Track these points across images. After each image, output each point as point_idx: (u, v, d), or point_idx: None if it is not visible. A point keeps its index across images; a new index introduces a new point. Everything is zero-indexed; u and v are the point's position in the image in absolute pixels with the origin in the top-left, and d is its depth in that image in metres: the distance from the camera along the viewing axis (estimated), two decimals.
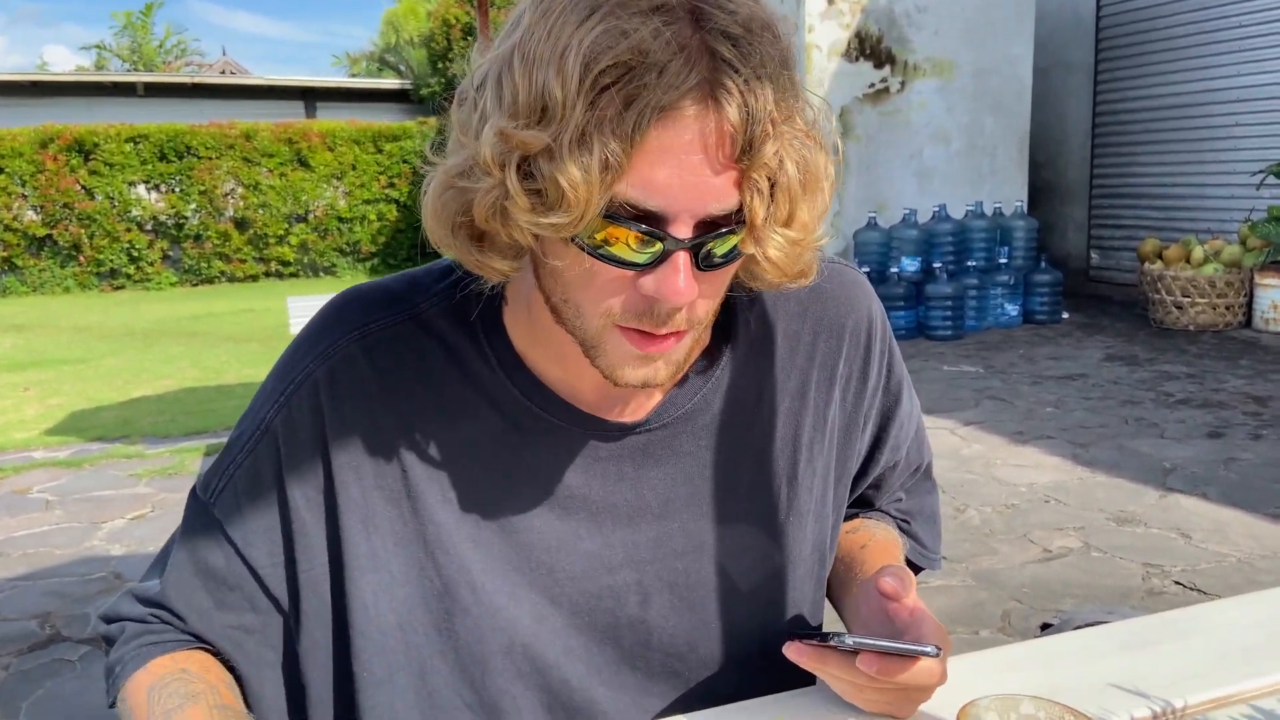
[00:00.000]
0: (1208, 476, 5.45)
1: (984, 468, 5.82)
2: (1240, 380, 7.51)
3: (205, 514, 1.15)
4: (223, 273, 17.70)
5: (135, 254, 17.09)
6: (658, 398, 1.20)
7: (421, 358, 1.12)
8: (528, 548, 1.17)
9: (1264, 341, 8.78)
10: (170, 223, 17.30)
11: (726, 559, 1.23)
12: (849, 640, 1.03)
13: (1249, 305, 9.26)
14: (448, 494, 1.16)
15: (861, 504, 1.44)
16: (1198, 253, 9.42)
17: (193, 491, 1.18)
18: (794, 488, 1.26)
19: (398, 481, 1.15)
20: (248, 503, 1.13)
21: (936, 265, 9.46)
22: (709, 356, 1.22)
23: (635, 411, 1.19)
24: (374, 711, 1.17)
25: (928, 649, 1.03)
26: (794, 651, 1.10)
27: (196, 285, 17.53)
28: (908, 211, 9.69)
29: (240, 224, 17.65)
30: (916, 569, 1.46)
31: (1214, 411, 6.72)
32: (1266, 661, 1.23)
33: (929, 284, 9.32)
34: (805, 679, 1.25)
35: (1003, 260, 9.95)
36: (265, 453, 1.12)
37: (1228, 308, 9.21)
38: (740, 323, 1.23)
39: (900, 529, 1.43)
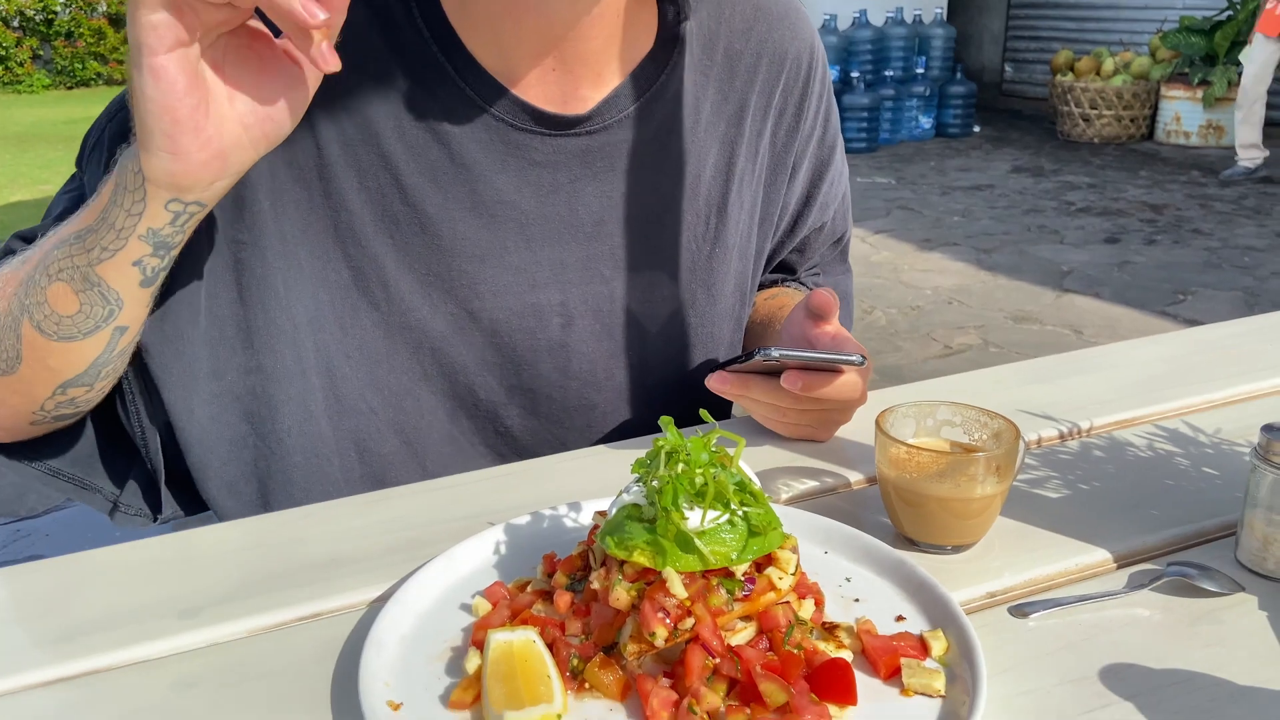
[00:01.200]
0: (1102, 278, 5.65)
1: (891, 273, 5.93)
2: (1139, 190, 7.70)
3: (76, 190, 1.04)
4: (99, 75, 16.46)
5: (2, 53, 15.75)
6: (600, 92, 1.12)
7: (345, 22, 1.06)
8: (450, 254, 1.11)
9: (1164, 154, 8.98)
10: (38, 18, 15.91)
11: (651, 287, 1.19)
12: (775, 352, 1.02)
13: (1153, 118, 9.41)
14: (365, 180, 1.05)
15: (783, 270, 1.42)
16: (1108, 64, 9.45)
17: (72, 177, 1.06)
18: (723, 219, 1.22)
19: (310, 159, 1.05)
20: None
21: (854, 74, 9.31)
22: (654, 62, 1.15)
23: (575, 104, 1.11)
24: (289, 405, 1.10)
25: (853, 358, 1.03)
26: (717, 380, 1.08)
27: (72, 89, 16.31)
28: (827, 17, 9.43)
29: (115, 20, 16.31)
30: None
31: (1112, 219, 6.91)
32: (1169, 390, 1.27)
33: (846, 94, 9.20)
34: (718, 415, 1.24)
35: (919, 71, 9.85)
36: None
37: (1132, 120, 9.34)
38: (687, 34, 1.16)
39: None
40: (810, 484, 1.08)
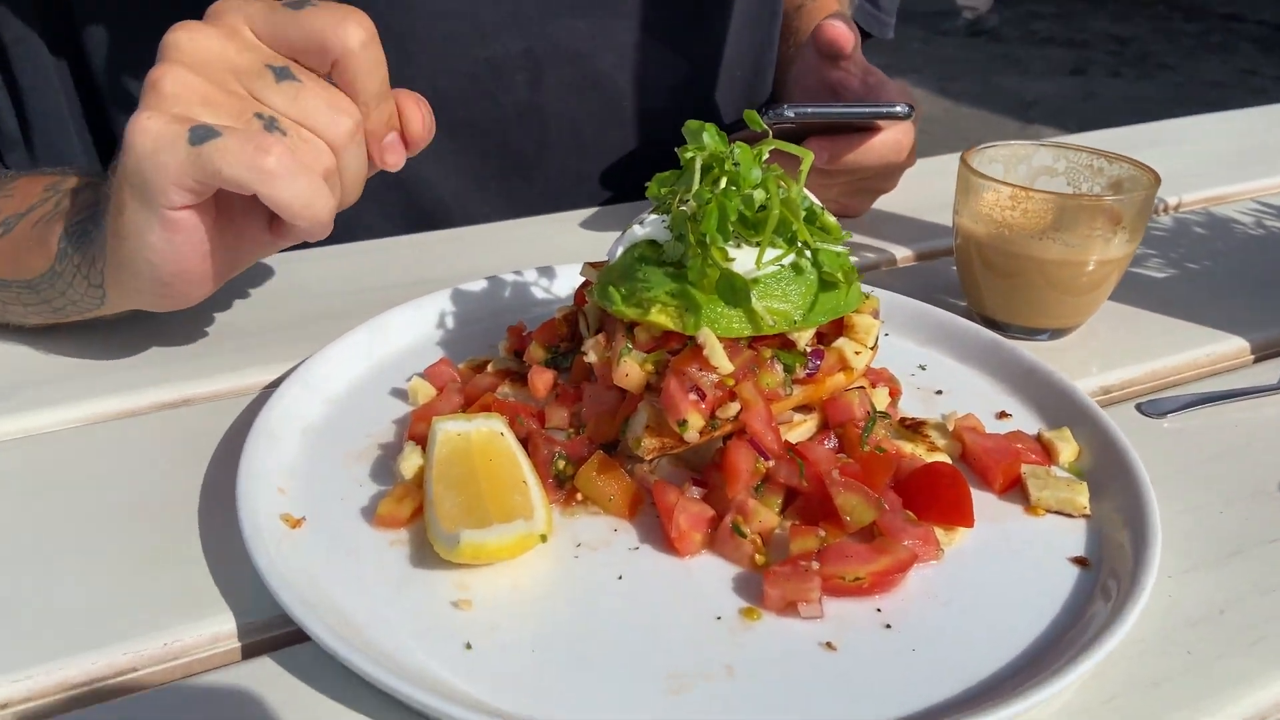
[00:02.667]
0: (1068, 109, 5.43)
1: None
2: (1105, 21, 7.39)
3: None
4: None
5: None
6: None
7: None
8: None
9: None
10: None
11: (641, 13, 0.89)
12: (789, 111, 0.75)
13: None
14: None
15: None
16: None
17: None
18: None
19: None
20: None
21: None
22: None
23: None
24: None
25: (897, 108, 0.77)
26: None
27: None
28: None
29: None
30: (864, 36, 1.17)
31: (1077, 51, 6.63)
32: (1265, 165, 1.04)
33: None
34: None
35: None
36: None
37: None
38: None
39: None
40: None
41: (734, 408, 0.50)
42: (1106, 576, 0.47)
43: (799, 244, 0.51)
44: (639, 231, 0.54)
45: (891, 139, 0.80)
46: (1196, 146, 1.10)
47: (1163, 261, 0.83)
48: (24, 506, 0.52)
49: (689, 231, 0.50)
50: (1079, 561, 0.49)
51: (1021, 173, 0.74)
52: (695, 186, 0.51)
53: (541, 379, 0.55)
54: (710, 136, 0.52)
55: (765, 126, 0.55)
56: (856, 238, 0.87)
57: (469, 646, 0.43)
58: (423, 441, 0.52)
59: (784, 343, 0.52)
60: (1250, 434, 0.61)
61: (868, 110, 0.77)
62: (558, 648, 0.43)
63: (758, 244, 0.50)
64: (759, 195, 0.49)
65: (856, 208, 0.90)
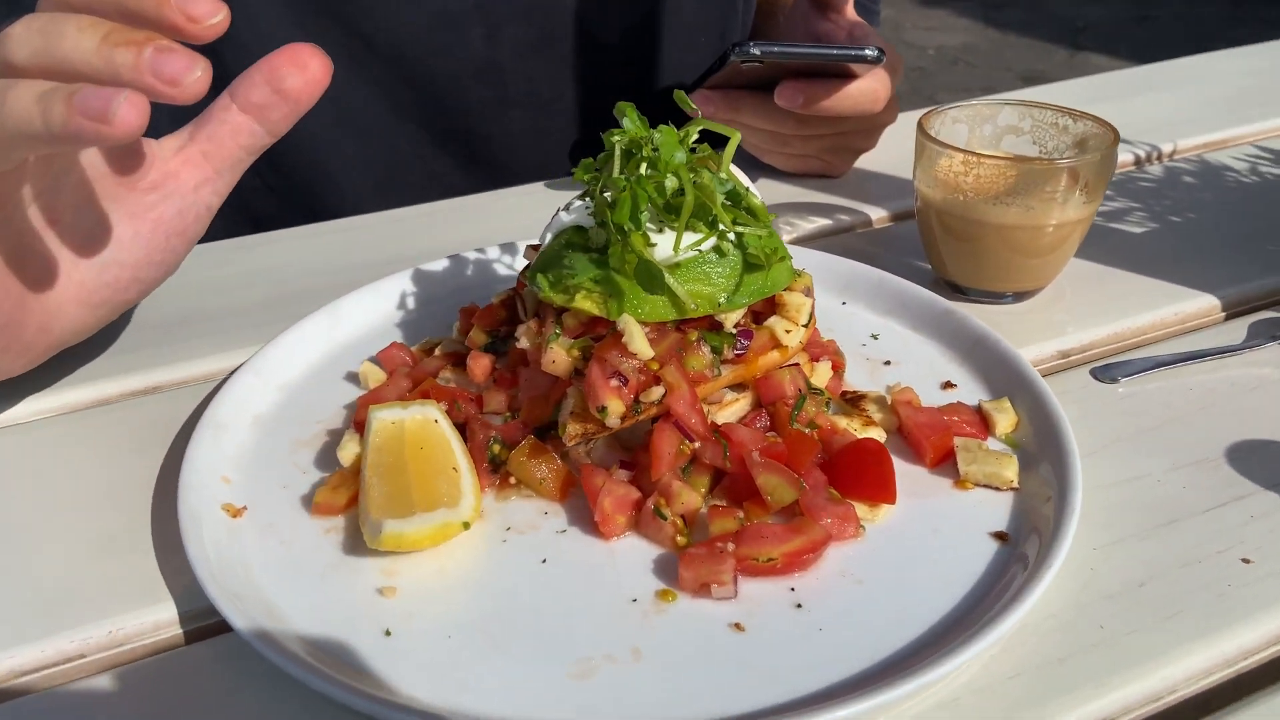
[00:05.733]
0: (1120, 35, 5.23)
1: (892, 31, 5.47)
2: None
3: None
4: None
5: None
6: None
7: None
8: None
9: None
10: None
11: None
12: (754, 49, 0.74)
13: None
14: None
15: None
16: None
17: None
18: None
19: None
20: None
21: None
22: None
23: None
24: None
25: (865, 51, 0.74)
26: (699, 100, 0.82)
27: None
28: None
29: None
30: None
31: None
32: (1267, 106, 1.01)
33: None
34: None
35: None
36: None
37: None
38: None
39: None
40: (820, 222, 0.83)
41: (658, 391, 0.50)
42: (1025, 551, 0.48)
43: (721, 228, 0.51)
44: (565, 218, 0.54)
45: (868, 87, 0.79)
46: (1200, 88, 1.07)
47: (1145, 215, 0.81)
48: None
49: (609, 219, 0.50)
50: (999, 536, 0.49)
51: (986, 133, 0.72)
52: (616, 173, 0.51)
53: (479, 364, 0.56)
54: (630, 120, 0.52)
55: (692, 106, 0.55)
56: (832, 197, 0.86)
57: (388, 633, 0.45)
58: (363, 429, 0.54)
59: (711, 324, 0.53)
60: (1205, 398, 0.60)
61: (835, 52, 0.75)
62: (473, 634, 0.45)
63: (677, 228, 0.50)
64: (671, 183, 0.50)
65: (839, 167, 0.89)
